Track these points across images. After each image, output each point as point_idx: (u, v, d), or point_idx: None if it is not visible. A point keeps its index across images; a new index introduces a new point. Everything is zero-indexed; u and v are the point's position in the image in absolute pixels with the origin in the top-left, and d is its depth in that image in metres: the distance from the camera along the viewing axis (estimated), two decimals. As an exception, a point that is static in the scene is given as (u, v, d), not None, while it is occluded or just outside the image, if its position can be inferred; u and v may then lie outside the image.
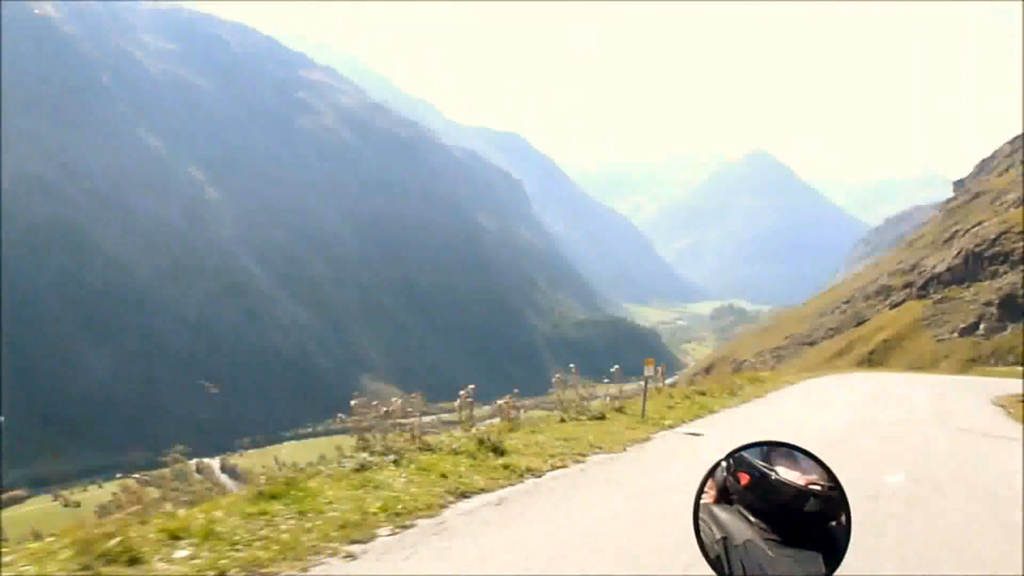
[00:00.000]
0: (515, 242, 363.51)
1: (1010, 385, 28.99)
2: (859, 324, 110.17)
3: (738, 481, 1.31)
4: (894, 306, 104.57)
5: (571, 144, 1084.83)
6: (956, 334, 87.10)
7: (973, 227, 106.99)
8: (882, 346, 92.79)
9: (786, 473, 1.28)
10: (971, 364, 77.18)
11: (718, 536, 1.25)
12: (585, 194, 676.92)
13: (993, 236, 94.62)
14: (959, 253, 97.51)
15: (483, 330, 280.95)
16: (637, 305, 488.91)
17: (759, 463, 1.29)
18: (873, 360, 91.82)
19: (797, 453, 1.32)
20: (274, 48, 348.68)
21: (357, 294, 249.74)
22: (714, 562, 1.22)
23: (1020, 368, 61.90)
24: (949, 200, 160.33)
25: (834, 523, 1.26)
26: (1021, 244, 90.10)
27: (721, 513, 1.28)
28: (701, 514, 1.29)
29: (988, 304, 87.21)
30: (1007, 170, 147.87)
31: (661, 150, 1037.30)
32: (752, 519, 1.25)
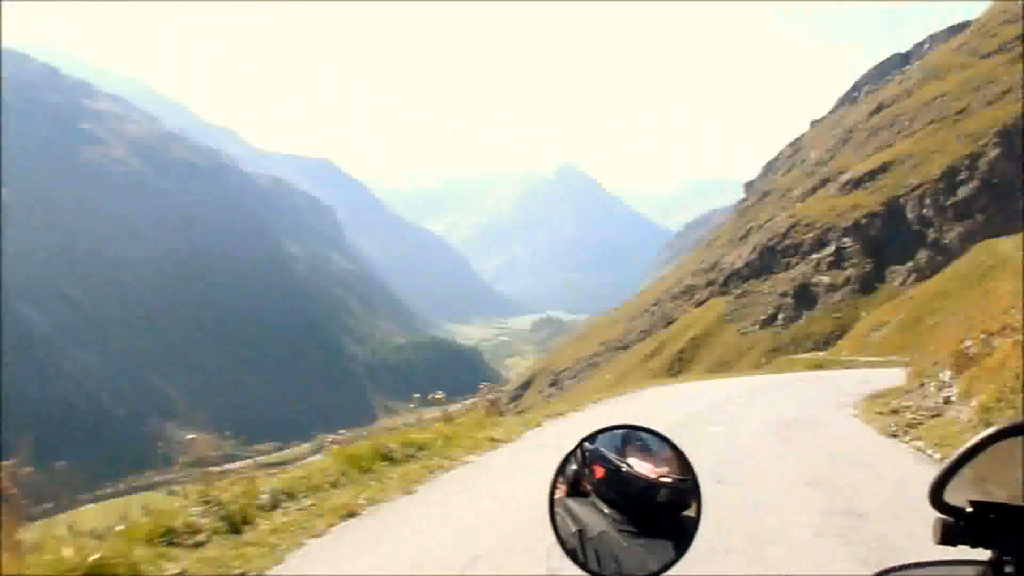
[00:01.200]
0: (327, 269, 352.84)
1: (834, 381, 28.30)
2: (668, 324, 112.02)
3: (592, 473, 1.31)
4: (699, 304, 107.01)
5: (383, 166, 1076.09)
6: (758, 326, 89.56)
7: (765, 223, 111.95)
8: (691, 344, 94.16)
9: (639, 464, 1.29)
10: (774, 354, 79.13)
11: (573, 529, 1.26)
12: (399, 216, 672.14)
13: (783, 230, 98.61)
14: (754, 249, 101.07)
15: (299, 362, 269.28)
16: (458, 324, 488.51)
17: (612, 455, 1.30)
18: (684, 358, 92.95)
19: (652, 438, 1.33)
20: (51, 76, 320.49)
21: (157, 335, 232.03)
22: (571, 554, 1.23)
23: (821, 353, 63.73)
24: (742, 201, 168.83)
25: (685, 511, 1.29)
26: (809, 235, 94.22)
27: (576, 506, 1.29)
28: (557, 508, 1.30)
29: (784, 295, 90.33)
30: (790, 169, 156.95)
31: (474, 169, 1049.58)
32: (606, 511, 1.27)
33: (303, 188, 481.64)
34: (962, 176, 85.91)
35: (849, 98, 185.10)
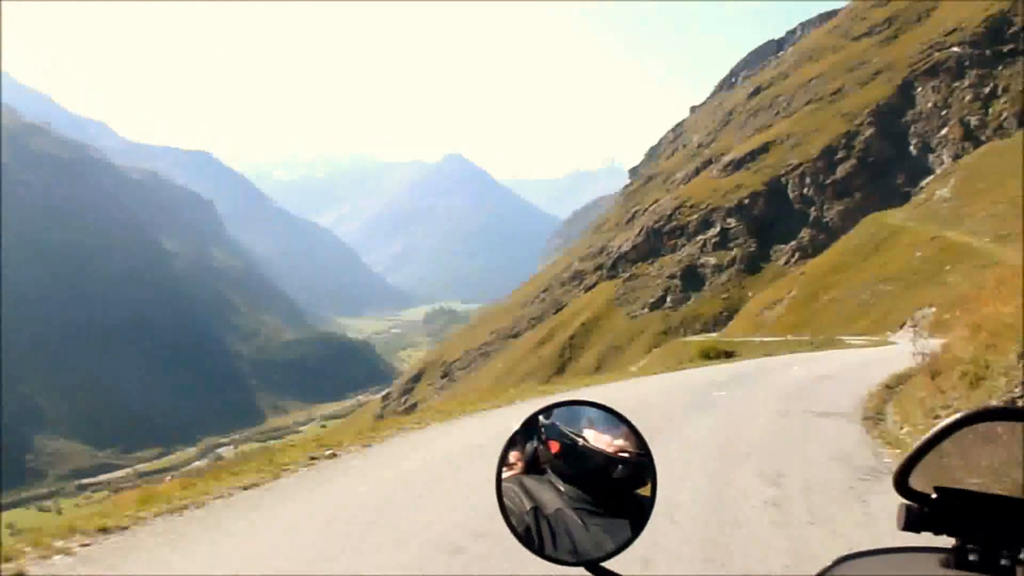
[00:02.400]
0: (208, 265, 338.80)
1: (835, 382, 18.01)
2: (558, 311, 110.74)
3: (548, 449, 1.27)
4: (588, 289, 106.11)
5: (266, 158, 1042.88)
6: (647, 309, 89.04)
7: (650, 206, 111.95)
8: (581, 330, 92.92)
9: (595, 439, 1.25)
10: (664, 337, 78.59)
11: (528, 507, 1.21)
12: (284, 209, 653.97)
13: (669, 212, 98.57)
14: (640, 231, 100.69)
15: (181, 363, 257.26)
16: (350, 318, 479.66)
17: (568, 429, 1.25)
18: (575, 344, 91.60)
19: (606, 415, 1.29)
20: None
21: (25, 338, 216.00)
22: (523, 536, 1.20)
23: (714, 335, 62.96)
24: (627, 186, 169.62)
25: (641, 489, 1.25)
26: (694, 216, 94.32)
27: (531, 483, 1.24)
28: (510, 485, 1.25)
29: (672, 277, 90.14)
30: (673, 154, 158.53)
31: (359, 160, 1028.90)
32: (562, 488, 1.22)
33: (181, 182, 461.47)
34: (840, 155, 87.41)
35: (727, 84, 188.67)
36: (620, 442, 1.26)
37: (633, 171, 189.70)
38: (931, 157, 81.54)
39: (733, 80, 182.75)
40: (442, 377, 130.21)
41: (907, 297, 47.60)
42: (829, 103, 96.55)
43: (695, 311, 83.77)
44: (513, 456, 1.29)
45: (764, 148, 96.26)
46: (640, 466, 1.25)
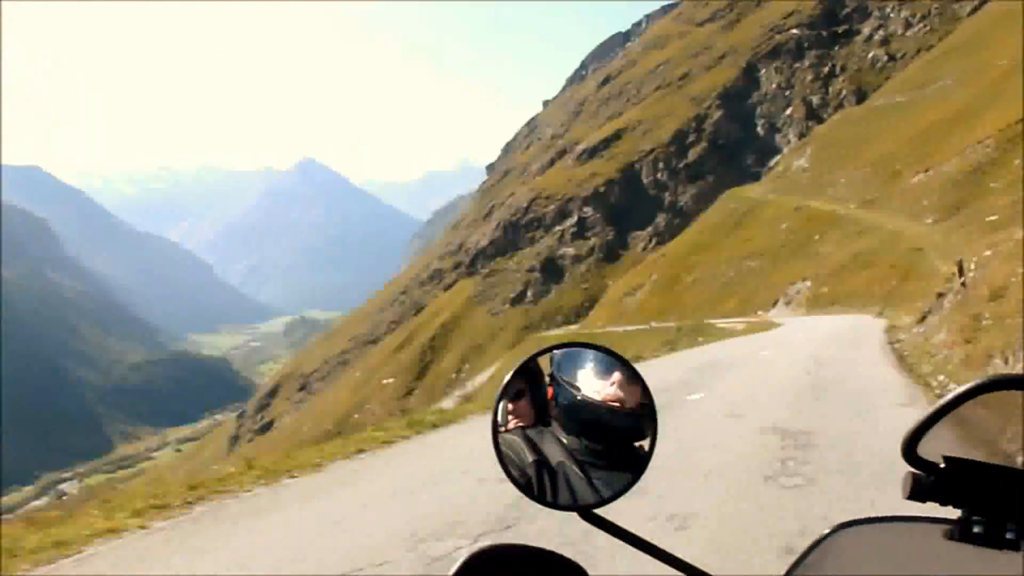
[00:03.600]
0: (45, 290, 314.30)
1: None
2: (418, 312, 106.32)
3: (545, 395, 1.22)
4: (447, 288, 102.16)
5: (105, 172, 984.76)
6: (507, 305, 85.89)
7: (506, 199, 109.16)
8: (441, 330, 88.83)
9: (593, 384, 1.21)
10: (525, 332, 75.61)
11: (530, 459, 1.18)
12: (130, 225, 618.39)
13: (525, 204, 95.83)
14: (498, 225, 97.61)
15: (19, 399, 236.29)
16: (206, 334, 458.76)
17: (565, 378, 1.20)
18: (435, 345, 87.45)
19: (608, 357, 1.23)
20: None
21: None
22: (522, 484, 1.18)
23: (576, 327, 60.23)
24: (484, 183, 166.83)
25: (642, 440, 1.21)
26: (551, 208, 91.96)
27: (535, 435, 1.20)
28: (513, 436, 1.21)
29: (532, 270, 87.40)
30: (528, 147, 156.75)
31: (208, 170, 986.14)
32: (565, 440, 1.18)
33: (12, 201, 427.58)
34: (691, 139, 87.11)
35: (577, 77, 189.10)
36: (615, 390, 1.21)
37: (490, 167, 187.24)
38: (778, 137, 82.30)
39: (583, 73, 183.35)
40: (299, 390, 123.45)
41: (776, 272, 45.31)
42: (677, 88, 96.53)
43: (557, 304, 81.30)
44: (515, 406, 1.23)
45: (616, 135, 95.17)
46: (639, 415, 1.21)
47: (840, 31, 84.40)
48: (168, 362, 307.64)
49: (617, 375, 1.21)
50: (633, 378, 1.21)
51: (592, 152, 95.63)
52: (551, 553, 1.13)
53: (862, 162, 54.42)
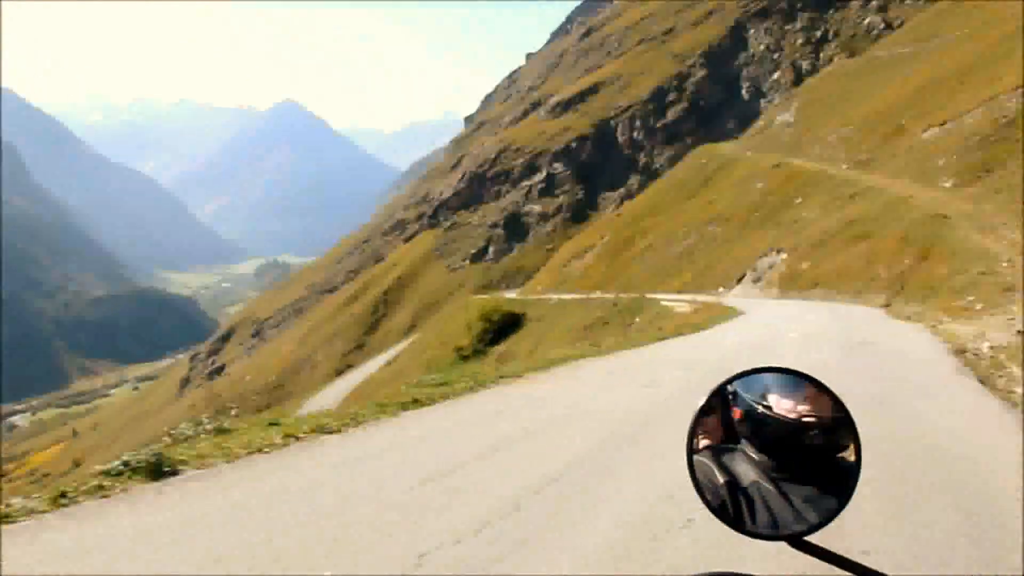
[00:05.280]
0: (4, 215, 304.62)
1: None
2: (378, 262, 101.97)
3: (732, 416, 1.22)
4: (408, 239, 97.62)
5: (78, 96, 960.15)
6: (467, 261, 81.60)
7: (475, 151, 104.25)
8: (396, 284, 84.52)
9: (781, 403, 1.18)
10: (483, 290, 71.54)
11: (722, 480, 1.15)
12: (102, 155, 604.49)
13: (492, 156, 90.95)
14: (463, 176, 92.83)
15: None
16: (175, 272, 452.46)
17: (749, 396, 1.19)
18: (389, 299, 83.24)
19: (794, 378, 1.20)
20: None
21: None
22: (717, 510, 1.14)
23: (512, 293, 55.87)
24: (460, 134, 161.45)
25: (841, 455, 1.15)
26: (519, 161, 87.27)
27: (724, 455, 1.19)
28: (702, 458, 1.19)
29: (494, 226, 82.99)
30: (506, 100, 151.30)
31: (184, 103, 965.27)
32: (756, 457, 1.16)
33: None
34: (670, 97, 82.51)
35: (563, 30, 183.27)
36: (805, 406, 1.18)
37: (468, 119, 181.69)
38: (762, 102, 77.88)
39: (568, 26, 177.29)
40: (252, 336, 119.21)
41: (744, 241, 38.75)
42: (660, 43, 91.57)
43: (518, 263, 77.16)
44: (703, 427, 1.23)
45: (593, 89, 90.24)
46: (836, 429, 1.16)
47: (836, -7, 79.72)
48: (132, 297, 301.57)
49: (806, 390, 1.18)
50: (822, 391, 1.17)
51: (566, 105, 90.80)
52: None
53: (857, 117, 47.48)
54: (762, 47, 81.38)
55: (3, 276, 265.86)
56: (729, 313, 23.00)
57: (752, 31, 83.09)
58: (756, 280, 28.16)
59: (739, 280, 32.06)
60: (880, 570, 0.95)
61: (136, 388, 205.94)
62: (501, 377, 10.67)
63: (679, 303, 28.25)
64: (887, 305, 21.89)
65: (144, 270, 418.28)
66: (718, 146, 61.26)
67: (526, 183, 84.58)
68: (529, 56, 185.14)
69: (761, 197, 43.93)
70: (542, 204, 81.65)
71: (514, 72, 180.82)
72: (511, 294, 49.54)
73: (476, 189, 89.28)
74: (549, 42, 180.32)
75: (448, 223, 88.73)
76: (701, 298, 29.58)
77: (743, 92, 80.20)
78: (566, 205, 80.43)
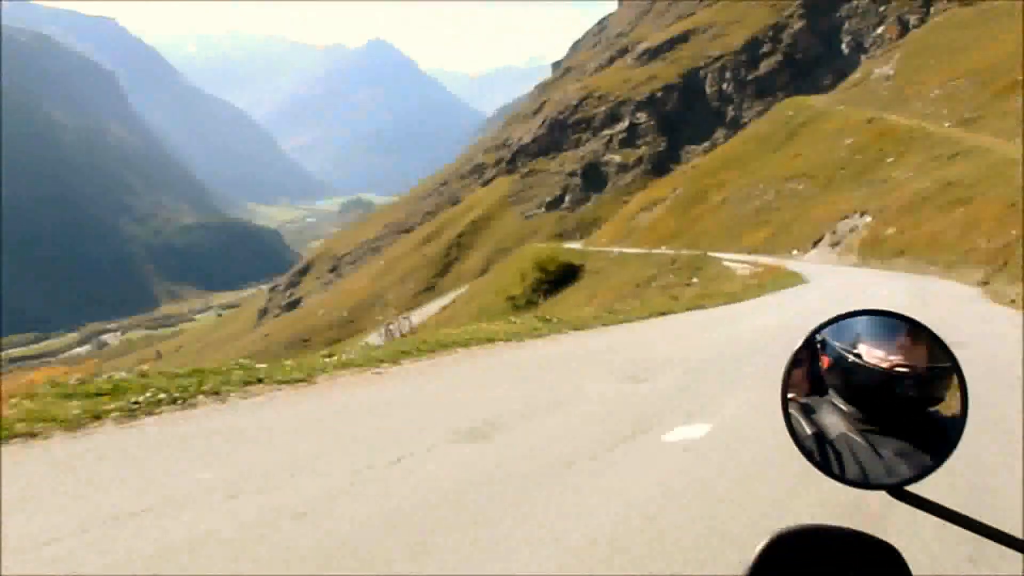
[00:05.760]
0: (103, 142, 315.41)
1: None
2: (454, 205, 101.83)
3: (821, 365, 1.15)
4: (485, 184, 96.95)
5: (177, 29, 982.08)
6: (543, 209, 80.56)
7: (557, 97, 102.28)
8: (471, 228, 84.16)
9: (872, 352, 1.11)
10: (557, 239, 70.57)
11: (809, 431, 1.12)
12: (197, 87, 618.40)
13: (575, 102, 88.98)
14: (543, 122, 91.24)
15: (63, 245, 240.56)
16: (262, 205, 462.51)
17: (839, 344, 1.13)
18: (462, 243, 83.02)
19: (892, 323, 1.13)
20: None
21: None
22: (810, 457, 1.11)
23: (576, 243, 54.61)
24: (544, 80, 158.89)
25: (940, 406, 1.09)
26: (602, 109, 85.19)
27: (811, 404, 1.14)
28: (791, 408, 1.15)
29: (572, 175, 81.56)
30: (594, 47, 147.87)
31: (279, 40, 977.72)
32: (845, 409, 1.11)
33: (79, 49, 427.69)
34: (764, 49, 78.95)
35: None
36: (898, 356, 1.11)
37: (555, 65, 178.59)
38: (863, 58, 73.68)
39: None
40: (330, 271, 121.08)
41: (826, 200, 35.58)
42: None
43: (594, 214, 75.69)
44: (793, 376, 1.17)
45: (683, 37, 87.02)
46: (932, 380, 1.10)
47: (953, -57, 74.45)
48: (220, 227, 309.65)
49: (903, 337, 1.12)
50: (921, 337, 1.11)
51: (654, 53, 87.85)
52: (860, 534, 1.04)
53: (965, 70, 42.68)
54: (867, -1, 76.96)
55: (99, 200, 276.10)
56: (788, 281, 20.52)
57: (858, -19, 78.56)
58: (834, 244, 26.00)
59: (815, 244, 29.69)
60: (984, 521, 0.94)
61: (219, 315, 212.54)
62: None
63: (742, 265, 26.02)
64: (985, 283, 18.67)
65: (233, 201, 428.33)
66: (807, 99, 57.62)
67: (607, 132, 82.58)
68: (621, 1, 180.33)
69: (849, 154, 40.50)
70: (622, 154, 79.69)
71: (604, 19, 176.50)
72: (575, 245, 48.11)
73: (556, 136, 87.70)
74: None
75: (526, 169, 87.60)
76: (769, 260, 27.06)
77: (843, 47, 76.09)
78: (647, 156, 78.30)
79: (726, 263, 26.63)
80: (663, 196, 54.10)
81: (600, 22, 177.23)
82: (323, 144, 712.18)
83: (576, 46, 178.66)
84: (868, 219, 28.21)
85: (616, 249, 34.48)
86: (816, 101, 56.04)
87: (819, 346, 1.13)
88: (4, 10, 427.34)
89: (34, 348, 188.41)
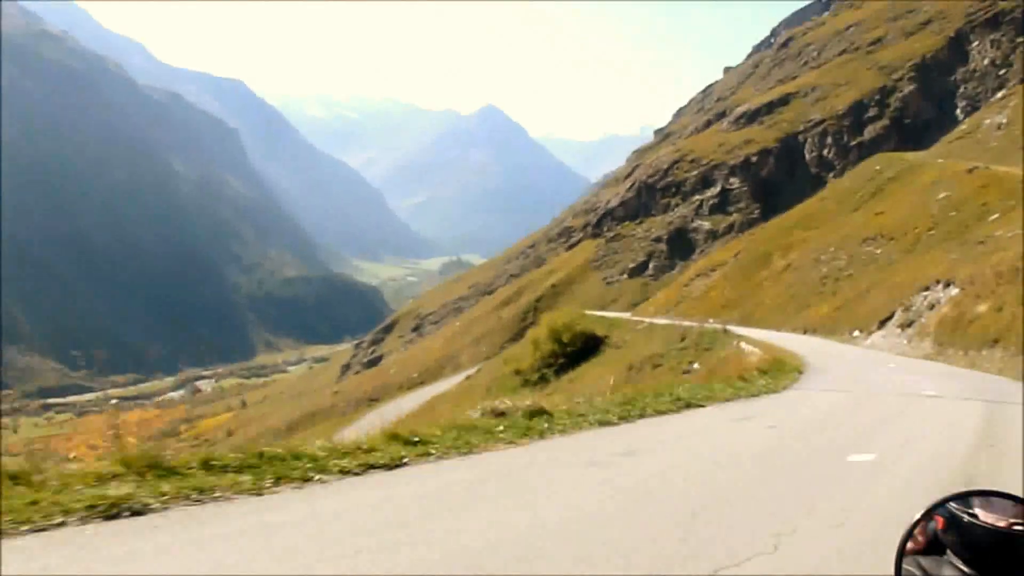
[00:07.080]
0: (218, 192, 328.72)
1: None
2: (539, 267, 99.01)
3: (937, 525, 1.17)
4: (571, 247, 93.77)
5: (301, 93, 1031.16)
6: (625, 275, 76.63)
7: (649, 160, 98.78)
8: (550, 292, 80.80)
9: (986, 515, 1.12)
10: (633, 308, 66.54)
11: None
12: (314, 145, 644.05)
13: (666, 166, 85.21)
14: (632, 186, 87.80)
15: (170, 288, 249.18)
16: (367, 261, 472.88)
17: (953, 507, 1.14)
18: (540, 307, 79.64)
19: (999, 499, 1.14)
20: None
21: (7, 251, 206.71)
22: None
23: (626, 314, 50.13)
24: (645, 145, 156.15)
25: None
26: (694, 172, 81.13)
27: (928, 564, 1.13)
28: (906, 565, 1.15)
29: (658, 240, 77.48)
30: (697, 112, 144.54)
31: (395, 104, 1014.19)
32: (963, 568, 1.09)
33: (208, 108, 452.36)
34: (871, 113, 73.64)
35: (766, 43, 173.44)
36: (1016, 517, 1.11)
37: (658, 132, 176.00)
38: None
39: (772, 39, 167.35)
40: (413, 330, 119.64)
41: (908, 265, 29.31)
42: (866, 54, 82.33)
43: (677, 279, 71.24)
44: (914, 536, 1.19)
45: (783, 100, 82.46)
46: None
47: (1083, 3, 68.18)
48: (322, 280, 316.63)
49: (1007, 507, 1.11)
50: None
51: (752, 116, 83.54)
52: None
53: None
54: (986, 61, 70.89)
55: (210, 248, 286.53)
56: (781, 381, 14.21)
57: (976, 43, 72.65)
58: (908, 324, 19.80)
59: (882, 323, 23.23)
60: None
61: (310, 367, 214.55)
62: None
63: (759, 347, 20.14)
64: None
65: (339, 256, 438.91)
66: (901, 154, 51.61)
67: (697, 197, 78.38)
68: (727, 70, 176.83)
69: (942, 211, 34.04)
70: (712, 220, 75.23)
71: (709, 86, 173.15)
72: (623, 314, 42.69)
73: (644, 200, 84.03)
74: (750, 55, 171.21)
75: (611, 233, 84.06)
76: (814, 342, 21.02)
77: (957, 111, 70.16)
78: (739, 223, 73.54)
79: (744, 344, 21.05)
80: (724, 260, 48.84)
81: (705, 89, 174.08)
82: (431, 204, 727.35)
83: (679, 113, 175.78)
84: (953, 291, 21.23)
85: (647, 320, 29.96)
86: (910, 156, 50.05)
87: (932, 514, 1.13)
88: (145, 71, 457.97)
89: (131, 390, 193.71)
